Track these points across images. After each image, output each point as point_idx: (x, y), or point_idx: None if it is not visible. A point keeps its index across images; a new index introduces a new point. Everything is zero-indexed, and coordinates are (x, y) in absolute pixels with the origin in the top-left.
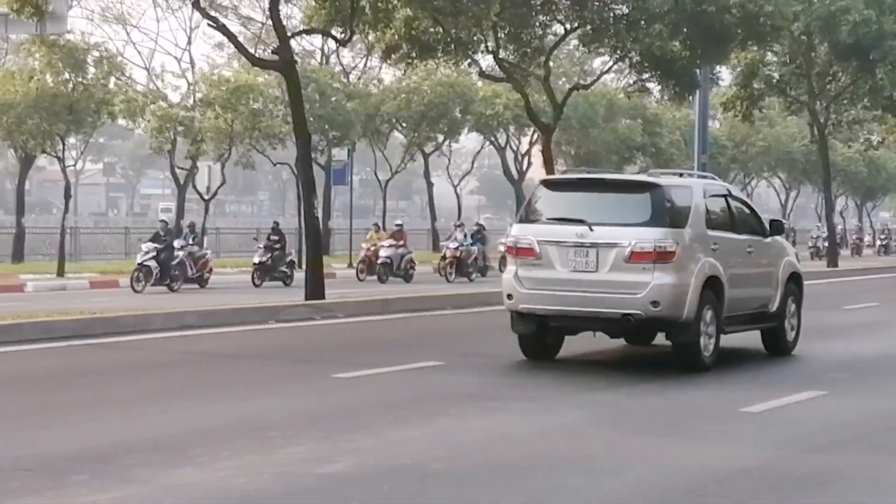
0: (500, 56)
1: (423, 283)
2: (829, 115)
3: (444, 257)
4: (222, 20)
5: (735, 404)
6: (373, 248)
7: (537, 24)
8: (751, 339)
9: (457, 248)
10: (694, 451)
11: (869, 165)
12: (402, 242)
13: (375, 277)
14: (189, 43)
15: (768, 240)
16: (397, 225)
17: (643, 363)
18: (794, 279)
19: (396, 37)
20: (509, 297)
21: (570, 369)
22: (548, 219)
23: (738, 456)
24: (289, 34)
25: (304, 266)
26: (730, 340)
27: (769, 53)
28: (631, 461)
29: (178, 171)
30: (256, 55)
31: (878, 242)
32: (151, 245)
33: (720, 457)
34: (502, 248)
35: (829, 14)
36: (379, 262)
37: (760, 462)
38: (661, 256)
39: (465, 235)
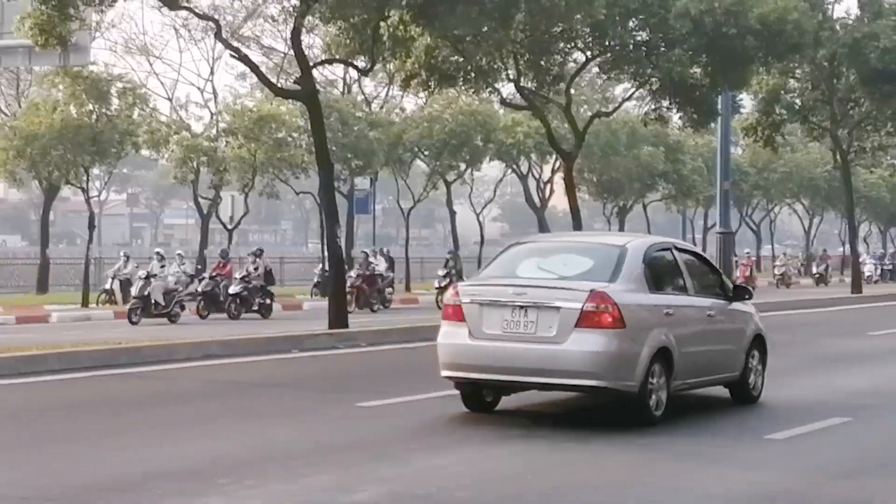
0: (521, 84)
1: None
2: (851, 142)
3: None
4: (245, 51)
5: (760, 431)
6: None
7: (558, 51)
8: (770, 370)
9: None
10: (721, 478)
11: (892, 191)
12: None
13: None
14: (212, 73)
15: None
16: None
17: None
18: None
19: (416, 65)
20: None
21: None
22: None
23: (764, 482)
24: (311, 64)
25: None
26: None
27: (791, 80)
28: (658, 488)
29: (201, 200)
30: (279, 85)
31: (815, 270)
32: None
33: (747, 483)
34: None
35: (855, 41)
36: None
37: (787, 488)
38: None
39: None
